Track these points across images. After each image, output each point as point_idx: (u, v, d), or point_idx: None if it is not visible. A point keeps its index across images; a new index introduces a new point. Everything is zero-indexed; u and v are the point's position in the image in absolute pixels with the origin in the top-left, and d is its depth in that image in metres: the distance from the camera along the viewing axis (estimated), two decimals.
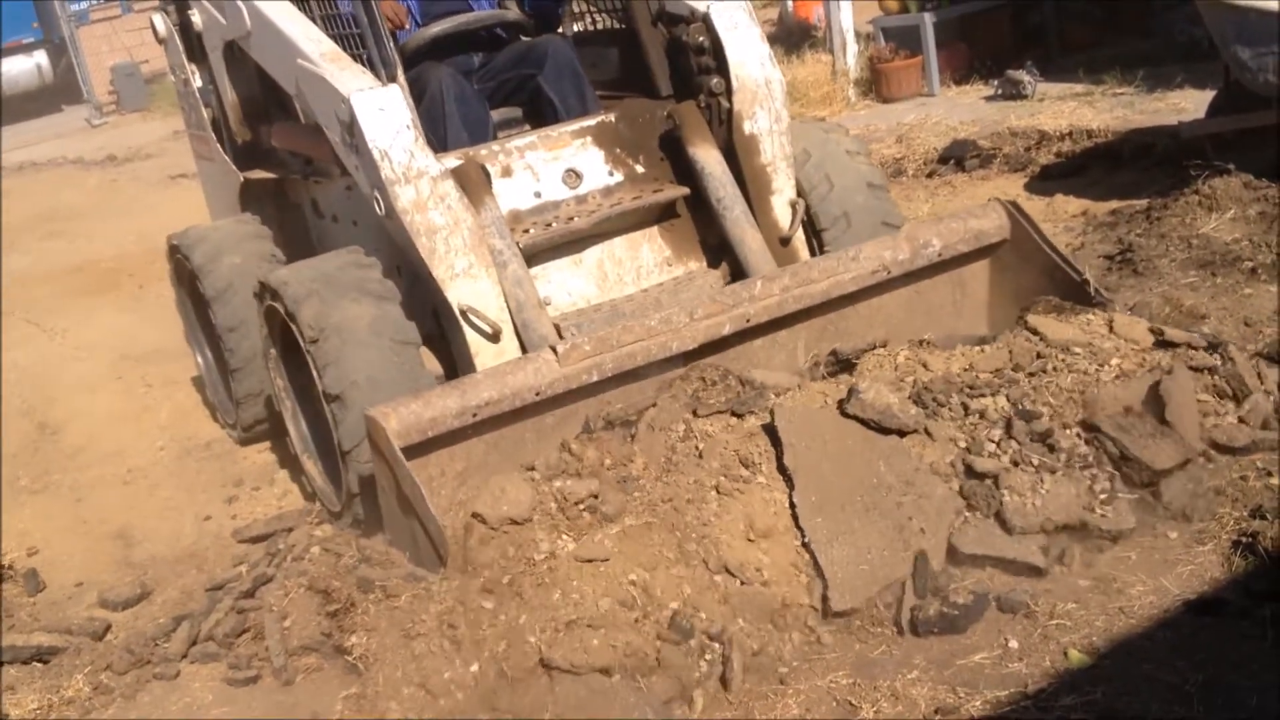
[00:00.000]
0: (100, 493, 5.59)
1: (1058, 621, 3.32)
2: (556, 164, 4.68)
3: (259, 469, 5.51)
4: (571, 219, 4.61)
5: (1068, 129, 8.36)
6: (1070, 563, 3.51)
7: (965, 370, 3.98)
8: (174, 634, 4.08)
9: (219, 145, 6.01)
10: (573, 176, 4.68)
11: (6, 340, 8.02)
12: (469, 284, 4.24)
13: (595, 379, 3.91)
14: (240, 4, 5.09)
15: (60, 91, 24.10)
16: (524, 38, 5.35)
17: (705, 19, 4.71)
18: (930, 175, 8.49)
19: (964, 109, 9.87)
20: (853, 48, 11.51)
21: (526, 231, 4.55)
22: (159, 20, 6.14)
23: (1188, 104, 8.22)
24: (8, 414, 6.66)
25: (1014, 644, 3.27)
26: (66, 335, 8.23)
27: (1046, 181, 7.75)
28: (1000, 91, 9.89)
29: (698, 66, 4.79)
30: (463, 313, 4.24)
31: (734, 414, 3.80)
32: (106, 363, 7.32)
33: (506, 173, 4.60)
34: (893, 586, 3.42)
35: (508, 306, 4.31)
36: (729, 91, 4.68)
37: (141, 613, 4.40)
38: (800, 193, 4.86)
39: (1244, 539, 3.46)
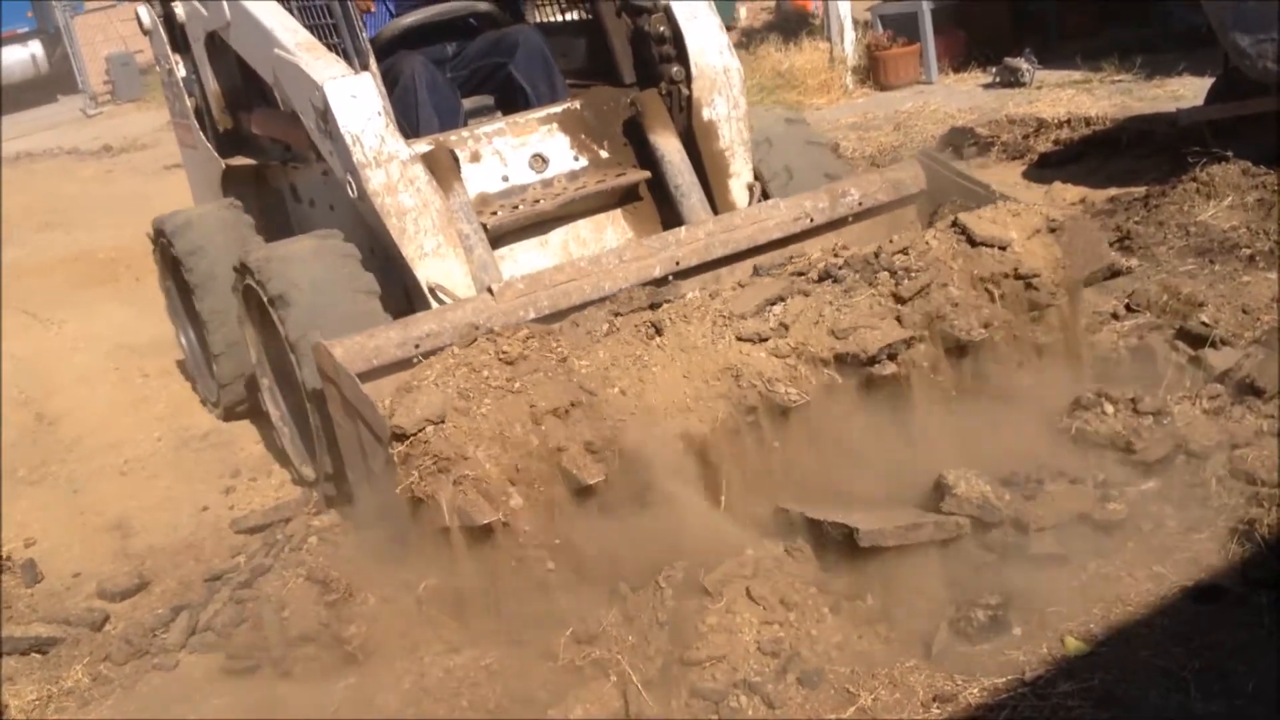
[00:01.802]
0: (98, 483, 5.59)
1: (1055, 609, 3.32)
2: (524, 149, 4.85)
3: (256, 460, 5.51)
4: (537, 201, 4.77)
5: (1066, 116, 8.36)
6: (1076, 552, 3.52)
7: (876, 254, 4.11)
8: (172, 624, 4.11)
9: (202, 133, 6.13)
10: (539, 161, 4.85)
11: (3, 331, 8.01)
12: (437, 263, 4.38)
13: (531, 315, 4.04)
14: None
15: (55, 81, 24.06)
16: (495, 27, 5.51)
17: (666, 9, 4.88)
18: None
19: (962, 96, 9.87)
20: (850, 35, 11.50)
21: (494, 214, 4.67)
22: (144, 12, 6.31)
23: (1186, 91, 8.22)
24: (5, 405, 6.65)
25: (1012, 631, 3.27)
26: (63, 326, 8.22)
27: (1045, 169, 7.75)
28: (998, 79, 9.89)
29: (659, 55, 4.94)
30: (431, 290, 4.36)
31: (651, 307, 3.96)
32: (103, 354, 7.31)
33: (475, 158, 4.77)
34: (924, 527, 3.41)
35: (475, 288, 4.42)
36: (689, 79, 4.82)
37: (140, 603, 4.40)
38: (760, 179, 4.97)
39: (1241, 526, 3.46)
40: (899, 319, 3.89)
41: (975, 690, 3.07)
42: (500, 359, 3.62)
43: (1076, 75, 9.50)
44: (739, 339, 3.82)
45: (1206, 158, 6.26)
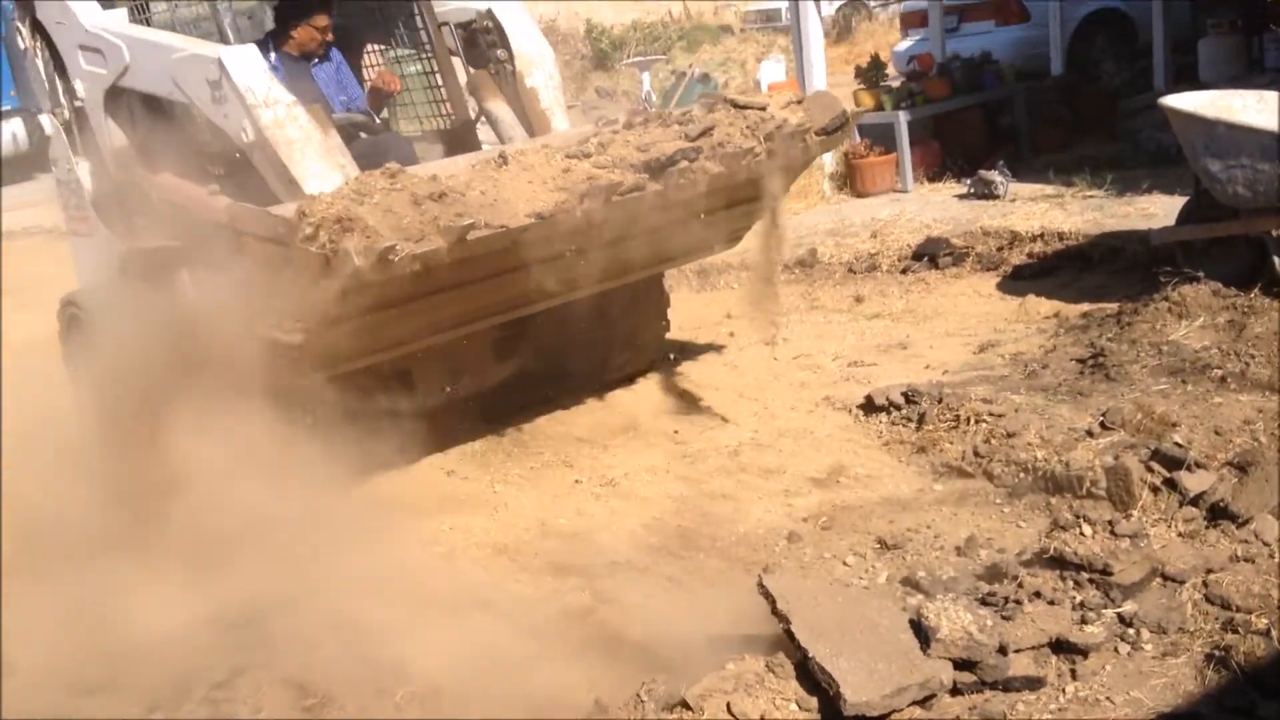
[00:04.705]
0: (69, 575, 5.50)
1: None
2: None
3: None
4: None
5: (1039, 230, 8.49)
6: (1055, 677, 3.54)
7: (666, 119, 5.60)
8: None
9: (100, 222, 6.71)
10: None
11: None
12: (321, 183, 5.11)
13: None
14: (119, 42, 5.90)
15: (34, 160, 24.09)
16: (371, 134, 6.44)
17: (489, 11, 6.30)
18: (904, 271, 8.61)
19: (936, 206, 10.02)
20: None
21: None
22: (47, 121, 6.92)
23: (1156, 209, 8.39)
24: None
25: None
26: None
27: (1018, 281, 7.89)
28: (973, 190, 10.04)
29: (486, 44, 6.33)
30: None
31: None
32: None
33: None
34: (908, 690, 3.41)
35: None
36: (512, 59, 6.21)
37: (110, 703, 4.31)
38: None
39: (1217, 652, 3.50)
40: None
41: None
42: (384, 174, 4.67)
43: (1049, 189, 9.68)
44: (567, 157, 5.11)
45: (1178, 277, 6.40)
